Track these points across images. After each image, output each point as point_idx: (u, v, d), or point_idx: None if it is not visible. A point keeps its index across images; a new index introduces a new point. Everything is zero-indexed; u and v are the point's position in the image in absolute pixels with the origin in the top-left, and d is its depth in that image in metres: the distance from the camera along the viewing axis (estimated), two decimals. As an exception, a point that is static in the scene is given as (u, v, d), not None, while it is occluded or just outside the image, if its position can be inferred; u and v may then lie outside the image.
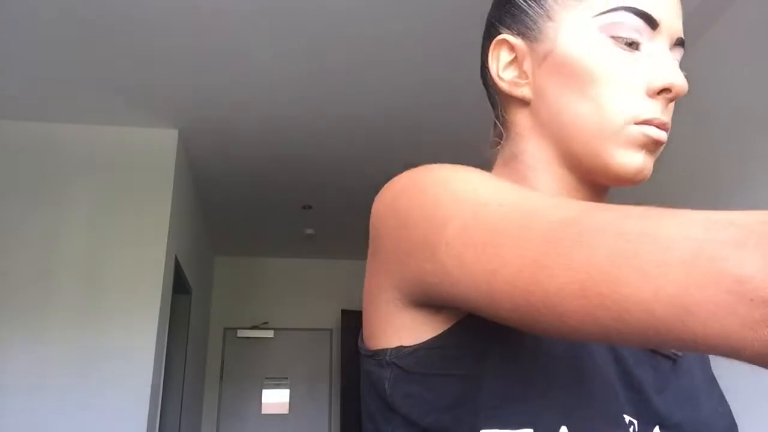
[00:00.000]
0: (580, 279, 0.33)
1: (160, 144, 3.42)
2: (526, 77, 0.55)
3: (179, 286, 3.82)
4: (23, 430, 2.84)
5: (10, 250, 3.09)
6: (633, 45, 0.51)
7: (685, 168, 2.39)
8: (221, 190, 4.37)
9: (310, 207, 4.74)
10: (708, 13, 2.24)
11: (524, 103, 0.56)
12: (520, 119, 0.57)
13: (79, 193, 3.25)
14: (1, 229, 3.12)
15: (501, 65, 0.57)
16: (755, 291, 0.26)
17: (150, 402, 2.99)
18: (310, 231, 5.28)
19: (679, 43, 0.53)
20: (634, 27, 0.50)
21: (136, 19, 2.52)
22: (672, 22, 0.52)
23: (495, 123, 0.60)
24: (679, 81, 0.49)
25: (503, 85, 0.56)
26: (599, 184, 0.54)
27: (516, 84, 0.56)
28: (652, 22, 0.50)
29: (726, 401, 0.56)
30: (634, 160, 0.51)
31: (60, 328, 3.00)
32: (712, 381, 0.58)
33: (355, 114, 3.34)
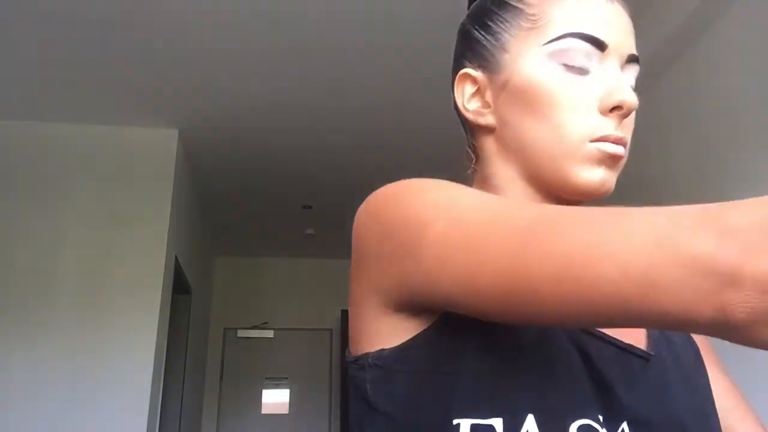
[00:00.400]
0: (558, 266, 0.37)
1: (160, 144, 3.43)
2: (489, 106, 0.60)
3: (179, 287, 3.82)
4: (25, 431, 2.85)
5: (10, 251, 3.09)
6: (583, 68, 0.54)
7: (684, 170, 2.39)
8: (221, 190, 4.38)
9: (310, 207, 4.74)
10: (707, 13, 2.24)
11: (489, 130, 0.60)
12: (488, 145, 0.61)
13: (79, 193, 3.26)
14: (0, 229, 3.13)
15: (466, 97, 0.61)
16: (708, 265, 0.31)
17: (150, 402, 2.99)
18: (310, 231, 5.28)
19: (632, 59, 0.56)
20: (583, 51, 0.54)
21: (136, 19, 2.52)
22: (621, 41, 0.55)
23: (467, 150, 0.64)
24: (629, 98, 0.52)
25: (469, 116, 0.61)
26: (568, 200, 0.57)
27: (480, 113, 0.60)
28: (600, 45, 0.54)
29: (707, 399, 0.56)
30: (594, 176, 0.54)
31: (60, 328, 3.01)
32: (696, 378, 0.58)
33: (356, 114, 3.34)
